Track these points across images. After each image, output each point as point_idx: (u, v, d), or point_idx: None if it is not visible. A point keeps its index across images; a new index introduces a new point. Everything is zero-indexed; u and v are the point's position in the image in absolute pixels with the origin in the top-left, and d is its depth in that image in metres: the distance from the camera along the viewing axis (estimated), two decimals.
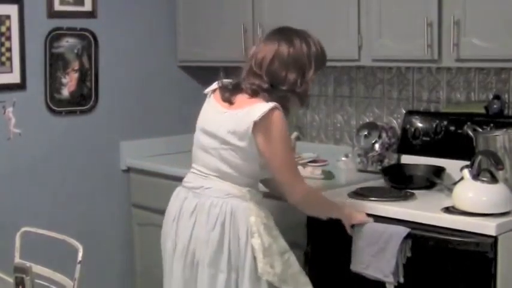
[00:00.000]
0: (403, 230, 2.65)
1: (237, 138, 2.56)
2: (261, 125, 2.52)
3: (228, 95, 2.64)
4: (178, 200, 2.71)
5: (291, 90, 2.62)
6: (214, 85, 2.75)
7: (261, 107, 2.54)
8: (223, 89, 2.69)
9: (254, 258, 2.55)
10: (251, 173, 2.63)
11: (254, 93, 2.59)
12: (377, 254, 2.68)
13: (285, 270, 2.61)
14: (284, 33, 2.66)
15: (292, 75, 2.60)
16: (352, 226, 2.77)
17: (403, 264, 2.66)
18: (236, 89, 2.64)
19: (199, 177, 2.69)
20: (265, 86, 2.59)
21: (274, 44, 2.63)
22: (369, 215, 2.78)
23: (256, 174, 2.66)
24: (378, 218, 2.77)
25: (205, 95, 2.79)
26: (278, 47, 2.61)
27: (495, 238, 2.48)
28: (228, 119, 2.60)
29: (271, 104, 2.53)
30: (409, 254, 2.65)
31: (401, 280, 2.66)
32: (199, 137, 2.73)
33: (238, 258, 2.56)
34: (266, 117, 2.52)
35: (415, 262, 2.66)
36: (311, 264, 2.98)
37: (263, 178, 2.76)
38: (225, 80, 2.74)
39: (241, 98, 2.61)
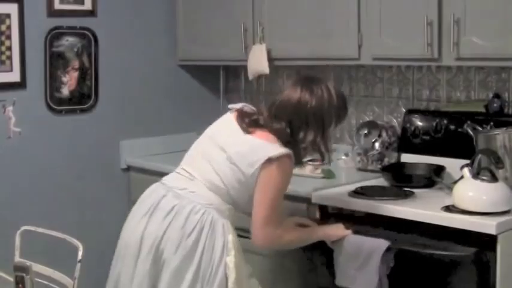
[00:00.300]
0: (383, 244, 2.62)
1: (245, 163, 2.53)
2: (272, 162, 2.51)
3: (246, 126, 2.62)
4: (155, 197, 2.64)
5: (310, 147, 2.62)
6: (239, 105, 2.71)
7: (278, 147, 2.54)
8: (244, 116, 2.65)
9: (225, 275, 2.51)
10: (238, 197, 2.59)
11: (274, 135, 2.58)
12: (360, 269, 2.65)
13: None
14: (307, 84, 2.62)
15: (311, 135, 2.58)
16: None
17: (387, 275, 2.62)
18: (255, 124, 2.62)
19: (186, 179, 2.64)
20: (285, 138, 2.57)
21: (296, 92, 2.60)
22: (349, 219, 2.76)
23: (242, 200, 2.59)
24: (361, 226, 2.75)
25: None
26: (300, 98, 2.58)
27: (480, 251, 2.47)
28: (242, 142, 2.58)
29: (288, 151, 2.54)
30: (392, 264, 2.62)
31: None
32: (204, 143, 2.69)
33: (208, 272, 2.51)
34: (280, 159, 2.51)
35: (401, 272, 2.63)
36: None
37: (245, 211, 2.65)
38: (249, 107, 2.71)
39: (260, 132, 2.59)
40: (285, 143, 2.57)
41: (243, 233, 2.70)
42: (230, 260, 2.52)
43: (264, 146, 2.54)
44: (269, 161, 2.51)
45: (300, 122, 2.59)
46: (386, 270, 2.62)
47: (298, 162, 2.64)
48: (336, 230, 2.72)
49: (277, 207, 2.56)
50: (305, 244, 2.76)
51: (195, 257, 2.51)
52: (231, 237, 2.55)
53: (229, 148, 2.58)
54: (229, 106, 2.75)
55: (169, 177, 2.71)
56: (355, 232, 2.71)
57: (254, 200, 2.55)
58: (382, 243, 2.62)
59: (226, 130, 2.66)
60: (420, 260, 2.60)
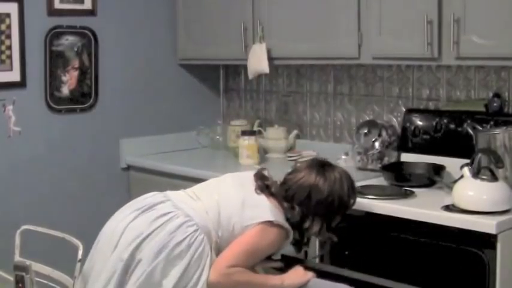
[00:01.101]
0: None
1: (248, 214, 2.50)
2: (271, 226, 2.48)
3: (259, 187, 2.60)
4: (152, 200, 2.59)
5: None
6: (257, 169, 2.73)
7: (283, 218, 2.51)
8: (260, 178, 2.64)
9: None
10: (221, 241, 2.52)
11: (282, 209, 2.56)
12: None
13: None
14: (322, 171, 2.58)
15: (317, 225, 2.54)
16: None
17: None
18: (267, 189, 2.59)
19: (190, 197, 2.59)
20: (291, 218, 2.54)
21: (310, 177, 2.55)
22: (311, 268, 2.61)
23: (224, 244, 2.54)
24: (325, 265, 2.69)
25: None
26: (313, 184, 2.53)
27: None
28: (254, 196, 2.56)
29: (289, 228, 2.51)
30: None
31: None
32: (221, 180, 2.68)
33: (190, 283, 2.41)
34: (280, 229, 2.49)
35: None
36: None
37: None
38: (266, 172, 2.69)
39: (272, 198, 2.56)
40: (288, 221, 2.53)
41: None
42: None
43: (272, 210, 2.51)
44: (269, 223, 2.48)
45: (308, 210, 2.54)
46: None
47: (299, 248, 2.62)
48: (293, 277, 2.55)
49: (244, 259, 2.48)
50: None
51: (177, 269, 2.41)
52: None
53: (242, 194, 2.57)
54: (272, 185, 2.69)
55: (173, 192, 2.66)
56: (318, 273, 2.53)
57: (233, 243, 2.48)
58: None
59: (245, 181, 2.64)
60: None
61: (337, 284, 2.45)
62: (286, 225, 2.51)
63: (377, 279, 2.45)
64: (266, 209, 2.51)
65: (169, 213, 2.49)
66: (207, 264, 2.44)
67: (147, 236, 2.44)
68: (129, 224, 2.49)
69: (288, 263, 2.62)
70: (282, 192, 2.56)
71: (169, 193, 2.63)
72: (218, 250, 2.51)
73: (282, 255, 2.67)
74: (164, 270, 2.41)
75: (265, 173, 2.68)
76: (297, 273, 2.55)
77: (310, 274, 2.52)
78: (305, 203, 2.52)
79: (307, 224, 2.54)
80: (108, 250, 2.48)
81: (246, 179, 2.65)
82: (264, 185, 2.60)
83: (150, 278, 2.40)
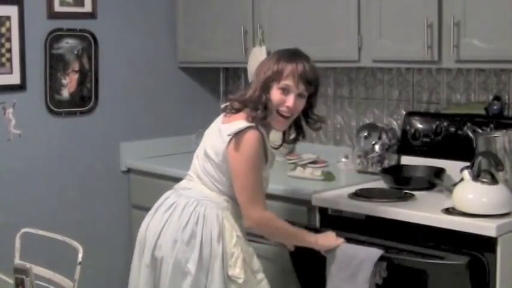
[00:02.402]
0: (375, 254, 2.53)
1: (214, 152, 2.61)
2: (235, 140, 2.54)
3: (226, 117, 2.67)
4: (161, 199, 2.75)
5: (261, 108, 2.59)
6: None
7: (239, 123, 2.56)
8: (226, 109, 2.71)
9: (223, 261, 2.54)
10: (226, 187, 2.62)
11: (244, 111, 2.62)
12: (350, 278, 2.57)
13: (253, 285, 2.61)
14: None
15: (250, 90, 2.64)
16: None
17: (380, 286, 2.56)
18: (236, 112, 2.66)
19: (187, 180, 2.75)
20: (250, 103, 2.60)
21: None
22: (346, 224, 2.73)
23: (230, 189, 2.61)
24: (354, 233, 2.72)
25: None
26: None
27: (470, 261, 2.44)
28: (214, 133, 2.66)
29: (247, 124, 2.55)
30: (384, 275, 2.55)
31: None
32: (200, 145, 2.77)
33: (209, 262, 2.54)
34: (241, 133, 2.53)
35: (394, 282, 2.58)
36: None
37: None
38: (234, 96, 2.74)
39: (234, 116, 2.63)
40: (253, 116, 2.56)
41: (249, 237, 2.71)
42: (225, 248, 2.55)
43: (227, 128, 2.58)
44: (231, 140, 2.54)
45: (261, 87, 2.61)
46: (379, 280, 2.55)
47: (268, 127, 2.66)
48: (326, 240, 2.66)
49: (255, 183, 2.56)
50: (293, 242, 2.72)
51: (195, 250, 2.54)
52: (227, 224, 2.58)
53: (206, 143, 2.68)
54: (222, 106, 2.78)
55: (179, 183, 2.81)
56: (348, 240, 2.64)
57: (233, 182, 2.58)
58: (374, 252, 2.55)
59: (212, 128, 2.73)
60: (414, 269, 2.54)
61: (368, 248, 2.58)
62: (245, 123, 2.53)
63: (407, 246, 2.57)
64: (230, 127, 2.56)
65: (172, 204, 2.65)
66: (215, 229, 2.55)
67: (160, 233, 2.61)
68: (147, 229, 2.69)
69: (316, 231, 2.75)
70: (244, 99, 2.63)
71: (176, 185, 2.78)
72: (236, 206, 2.61)
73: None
74: (185, 256, 2.55)
75: (232, 96, 2.74)
76: (329, 237, 2.67)
77: (341, 239, 2.64)
78: (257, 87, 2.61)
79: (246, 92, 2.64)
80: (138, 259, 2.70)
81: (214, 123, 2.73)
82: (228, 110, 2.67)
83: (177, 269, 2.55)
